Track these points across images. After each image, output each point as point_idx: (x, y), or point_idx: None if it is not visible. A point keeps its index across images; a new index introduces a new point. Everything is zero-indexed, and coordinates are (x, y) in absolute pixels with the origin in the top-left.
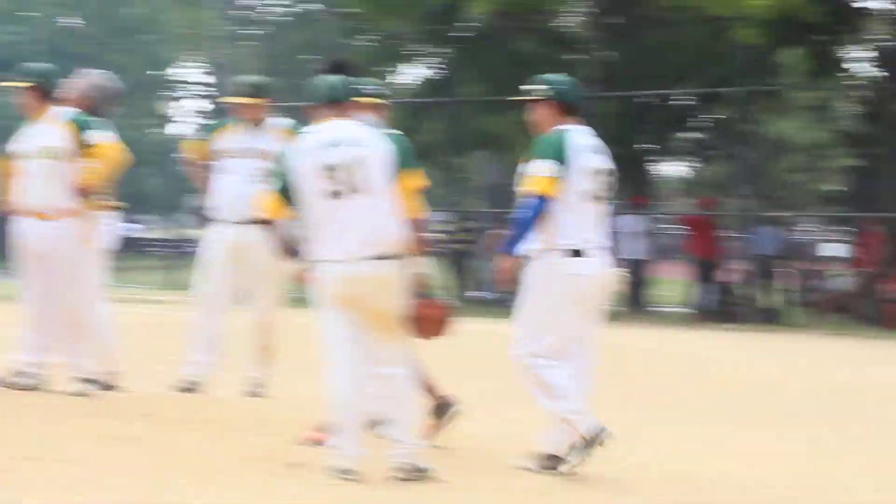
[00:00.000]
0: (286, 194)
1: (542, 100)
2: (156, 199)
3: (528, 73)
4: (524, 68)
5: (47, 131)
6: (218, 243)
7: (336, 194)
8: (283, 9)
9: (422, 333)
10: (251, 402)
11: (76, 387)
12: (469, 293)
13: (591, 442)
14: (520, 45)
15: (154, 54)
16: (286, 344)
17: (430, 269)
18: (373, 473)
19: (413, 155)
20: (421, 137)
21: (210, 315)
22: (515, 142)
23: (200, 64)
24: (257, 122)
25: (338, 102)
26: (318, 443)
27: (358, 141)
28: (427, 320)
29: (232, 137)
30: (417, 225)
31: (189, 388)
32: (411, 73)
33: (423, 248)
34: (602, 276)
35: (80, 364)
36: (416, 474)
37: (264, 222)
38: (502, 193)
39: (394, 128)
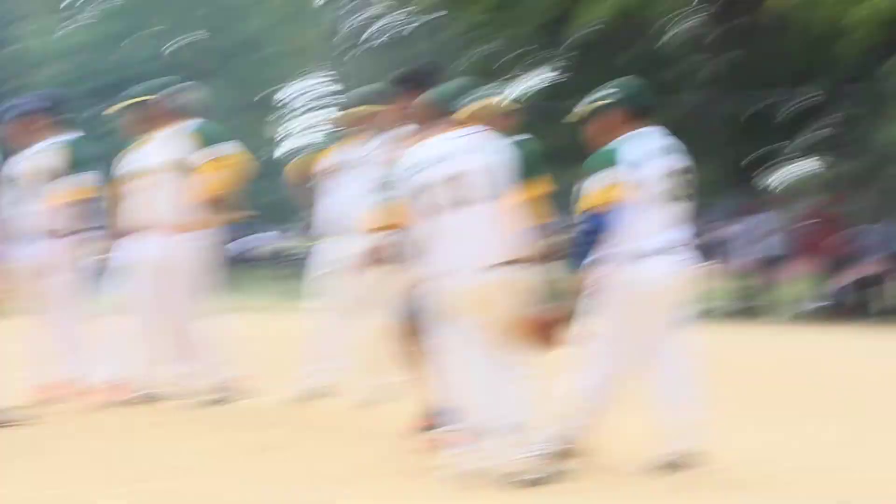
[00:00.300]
0: (402, 205)
1: (611, 106)
2: (277, 212)
3: (649, 77)
4: (643, 72)
5: (172, 144)
6: (329, 256)
7: (453, 205)
8: (403, 21)
9: (544, 341)
10: (381, 408)
11: (203, 398)
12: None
13: (676, 463)
14: (637, 50)
15: (274, 69)
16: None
17: (557, 274)
18: (497, 477)
19: (539, 160)
20: (549, 142)
21: (335, 324)
22: None
23: (321, 77)
24: (371, 133)
25: (453, 111)
26: (440, 446)
27: (478, 150)
28: (549, 327)
29: (347, 147)
30: (541, 231)
31: (317, 396)
32: (534, 80)
33: (548, 255)
34: (675, 278)
35: (206, 376)
36: (544, 477)
37: (381, 231)
38: None
39: (522, 133)
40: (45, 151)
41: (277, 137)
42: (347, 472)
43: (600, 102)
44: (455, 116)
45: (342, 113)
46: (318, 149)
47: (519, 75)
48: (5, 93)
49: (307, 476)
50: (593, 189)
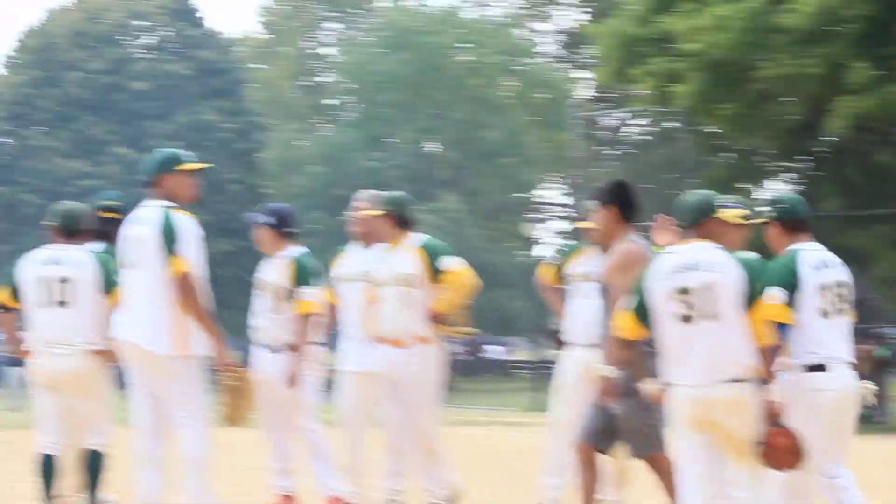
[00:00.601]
0: (642, 314)
1: (770, 221)
2: (521, 322)
3: (890, 186)
4: (885, 181)
5: (400, 258)
6: (571, 367)
7: (688, 318)
8: (641, 129)
9: (773, 463)
10: None
11: None
12: None
13: None
14: (880, 158)
15: (514, 176)
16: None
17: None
18: None
19: (763, 279)
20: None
21: (562, 438)
22: (879, 256)
23: (561, 185)
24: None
25: (699, 223)
26: None
27: (713, 265)
28: (779, 450)
29: (585, 259)
30: (768, 353)
31: None
32: (771, 190)
33: (773, 376)
34: (846, 390)
35: (435, 488)
36: None
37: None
38: (868, 308)
39: (752, 248)
40: (276, 265)
41: (530, 241)
42: None
43: (761, 218)
44: (701, 227)
45: (577, 223)
46: (567, 253)
47: (756, 186)
48: (254, 200)
49: None
50: (767, 302)
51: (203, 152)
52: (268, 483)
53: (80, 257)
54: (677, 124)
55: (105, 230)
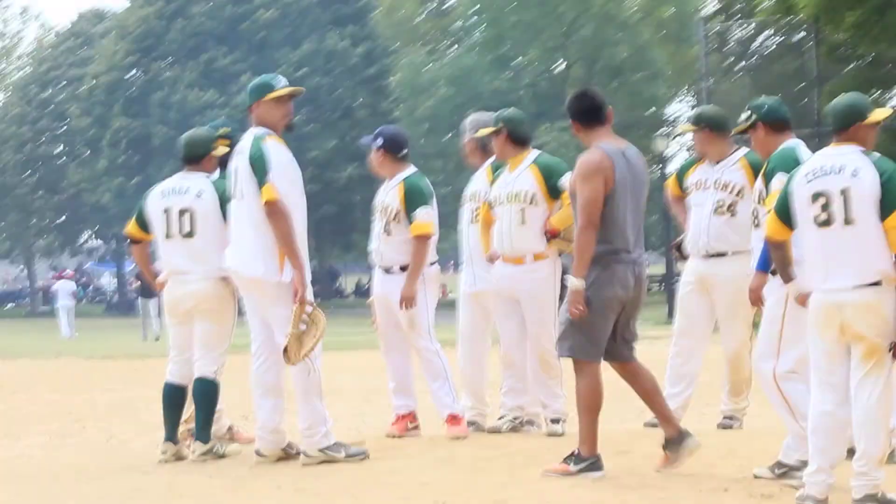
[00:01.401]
0: (786, 217)
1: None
2: (655, 236)
3: None
4: None
5: (516, 176)
6: (686, 277)
7: (825, 223)
8: (769, 40)
9: None
10: (723, 435)
11: (553, 428)
12: None
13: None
14: None
15: (643, 93)
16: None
17: None
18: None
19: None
20: None
21: (683, 349)
22: None
23: (690, 100)
24: (717, 155)
25: (842, 129)
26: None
27: (852, 169)
28: None
29: (700, 171)
30: None
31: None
32: None
33: None
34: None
35: (554, 405)
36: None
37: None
38: None
39: (883, 152)
40: (389, 187)
41: (661, 157)
42: (673, 496)
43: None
44: (843, 132)
45: (684, 129)
46: (687, 166)
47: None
48: (382, 124)
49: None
50: (773, 192)
51: (331, 79)
52: (388, 403)
53: (200, 187)
54: (803, 34)
55: (225, 159)
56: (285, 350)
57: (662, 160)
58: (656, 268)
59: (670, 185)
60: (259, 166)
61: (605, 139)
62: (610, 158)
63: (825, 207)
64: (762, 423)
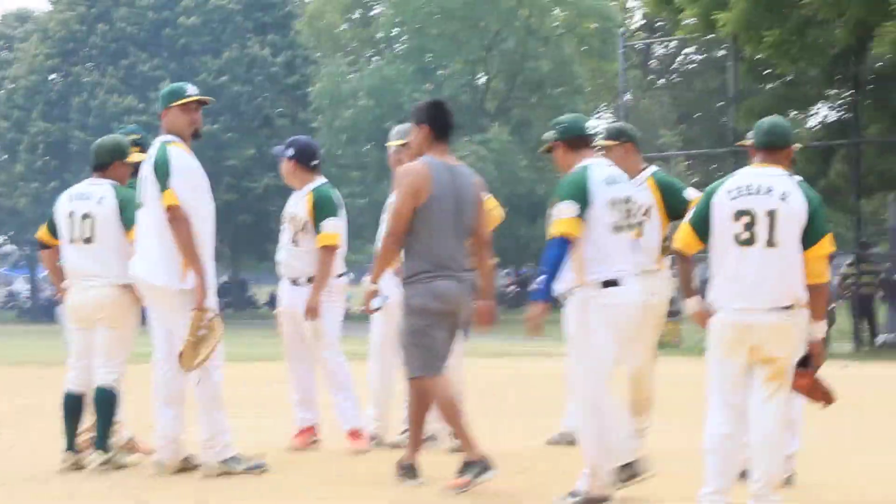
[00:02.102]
0: (702, 231)
1: (554, 143)
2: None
3: None
4: None
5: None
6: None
7: (746, 241)
8: (689, 58)
9: (809, 395)
10: None
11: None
12: (880, 337)
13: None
14: None
15: (564, 107)
16: (660, 393)
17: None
18: None
19: (824, 218)
20: (827, 180)
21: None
22: None
23: (611, 116)
24: (632, 172)
25: (775, 149)
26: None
27: (780, 192)
28: (815, 386)
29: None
30: (819, 290)
31: (564, 441)
32: (818, 116)
33: (822, 313)
34: (637, 303)
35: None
36: None
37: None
38: None
39: (798, 173)
40: (299, 198)
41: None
42: None
43: (549, 137)
44: (769, 153)
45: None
46: None
47: (804, 113)
48: (302, 134)
49: None
50: (557, 216)
51: (252, 87)
52: (291, 415)
53: (102, 193)
54: (724, 52)
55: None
56: (180, 355)
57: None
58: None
59: None
60: (161, 172)
61: (438, 154)
62: (430, 171)
63: (748, 227)
64: (664, 443)
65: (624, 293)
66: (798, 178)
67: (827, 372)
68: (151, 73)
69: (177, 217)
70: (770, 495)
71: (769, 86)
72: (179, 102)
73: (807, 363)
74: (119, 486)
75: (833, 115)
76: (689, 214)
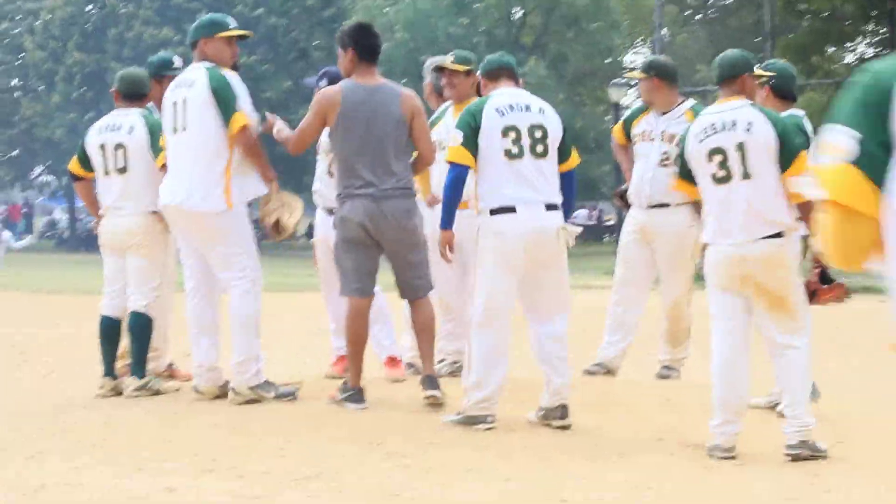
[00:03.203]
0: (689, 178)
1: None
2: (607, 186)
3: None
4: None
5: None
6: (631, 227)
7: (723, 179)
8: None
9: (815, 300)
10: (661, 385)
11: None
12: None
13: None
14: None
15: (600, 42)
16: (696, 326)
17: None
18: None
19: (795, 138)
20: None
21: (623, 298)
22: None
23: (646, 50)
24: (655, 104)
25: (731, 79)
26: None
27: (745, 124)
28: (815, 298)
29: (646, 121)
30: (807, 207)
31: (601, 371)
32: (855, 53)
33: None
34: (534, 230)
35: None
36: (808, 453)
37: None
38: None
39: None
40: None
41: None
42: (606, 446)
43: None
44: (733, 85)
45: (632, 75)
46: (634, 114)
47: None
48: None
49: (564, 451)
50: (450, 144)
51: (288, 19)
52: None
53: (132, 122)
54: None
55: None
56: (275, 225)
57: (617, 109)
58: (608, 217)
59: (616, 133)
60: (225, 95)
61: (362, 76)
62: (341, 94)
63: (722, 165)
64: (701, 374)
65: (510, 220)
66: (762, 107)
67: (868, 305)
68: (187, 5)
69: (249, 136)
70: (804, 417)
71: (805, 22)
72: (225, 34)
73: (824, 277)
74: (154, 413)
75: (870, 51)
76: (676, 168)
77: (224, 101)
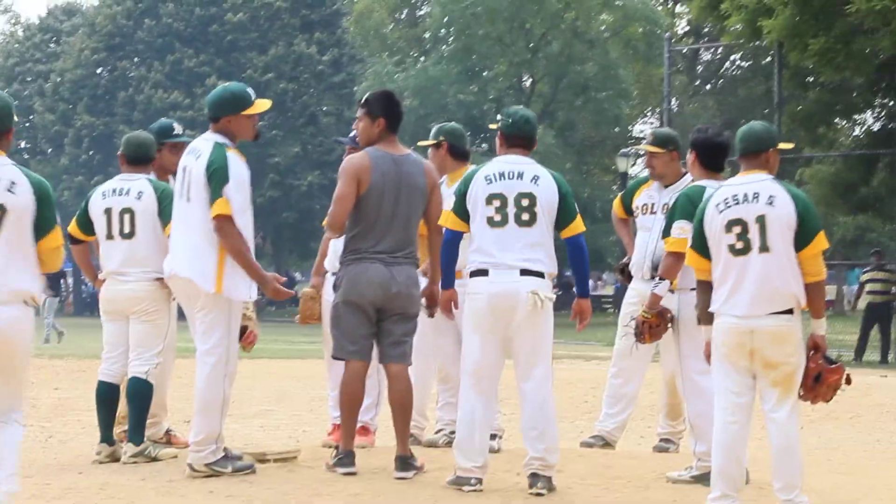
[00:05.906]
0: (703, 250)
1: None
2: (613, 257)
3: None
4: None
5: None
6: (632, 298)
7: (741, 251)
8: (735, 63)
9: (811, 394)
10: (659, 458)
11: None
12: None
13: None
14: None
15: (608, 111)
16: None
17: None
18: None
19: (815, 217)
20: (870, 189)
21: (622, 370)
22: None
23: (654, 120)
24: (665, 177)
25: (755, 154)
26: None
27: (767, 197)
28: (820, 382)
29: (647, 194)
30: (817, 288)
31: (598, 444)
32: (860, 124)
33: (821, 310)
34: (503, 293)
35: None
36: None
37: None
38: None
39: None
40: None
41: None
42: None
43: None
44: (754, 159)
45: (640, 147)
46: (635, 186)
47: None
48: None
49: None
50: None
51: (298, 84)
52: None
53: (140, 187)
54: (770, 58)
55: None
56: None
57: (625, 178)
58: (610, 288)
59: (616, 207)
60: (217, 177)
61: (387, 145)
62: (370, 161)
63: (741, 236)
64: None
65: (481, 283)
66: (785, 182)
67: (866, 380)
68: (198, 69)
69: (227, 227)
70: (797, 498)
71: (813, 93)
72: (249, 112)
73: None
74: (152, 479)
75: (877, 125)
76: (689, 241)
77: (215, 182)
